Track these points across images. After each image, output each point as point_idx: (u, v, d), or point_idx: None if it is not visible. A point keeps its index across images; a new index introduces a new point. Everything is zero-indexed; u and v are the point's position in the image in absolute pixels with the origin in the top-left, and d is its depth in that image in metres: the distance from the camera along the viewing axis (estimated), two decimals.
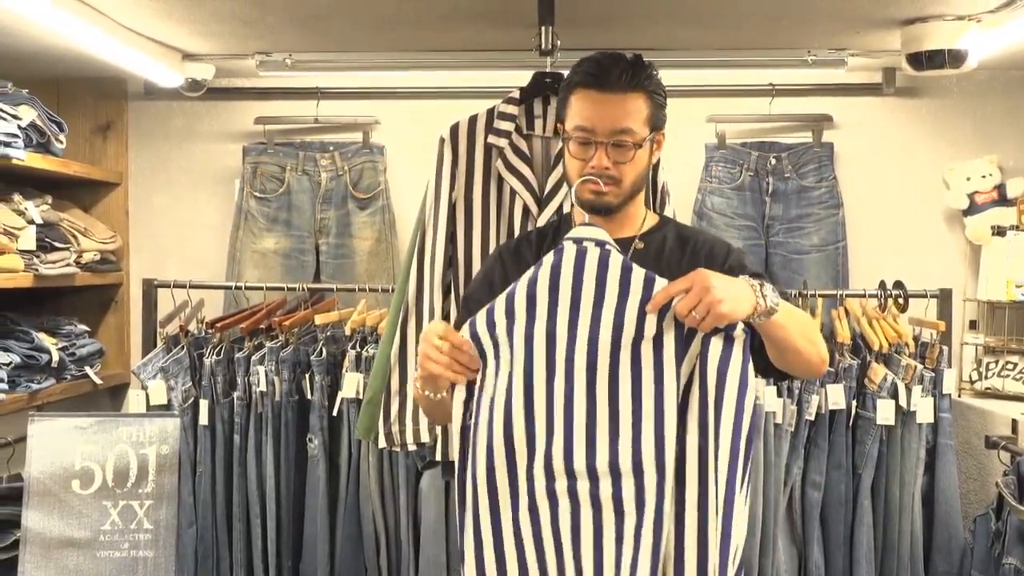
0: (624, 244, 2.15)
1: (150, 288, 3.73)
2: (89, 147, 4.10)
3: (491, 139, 2.81)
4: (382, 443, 2.88)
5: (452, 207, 2.84)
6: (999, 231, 3.75)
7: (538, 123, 2.86)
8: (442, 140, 2.86)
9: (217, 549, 3.51)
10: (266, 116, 4.04)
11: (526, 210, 2.78)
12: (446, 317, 2.84)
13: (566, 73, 2.88)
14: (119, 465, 2.87)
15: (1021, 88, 3.97)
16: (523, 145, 2.81)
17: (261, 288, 3.69)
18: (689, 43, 3.51)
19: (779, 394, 3.30)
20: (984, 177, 3.86)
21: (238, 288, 3.72)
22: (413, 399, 2.84)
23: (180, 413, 3.38)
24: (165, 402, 3.45)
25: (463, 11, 3.11)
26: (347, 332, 3.51)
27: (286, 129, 4.07)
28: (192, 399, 3.49)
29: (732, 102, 3.95)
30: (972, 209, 3.87)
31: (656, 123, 2.14)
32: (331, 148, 4.01)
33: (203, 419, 3.47)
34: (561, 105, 2.17)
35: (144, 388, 3.48)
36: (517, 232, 2.80)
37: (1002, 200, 3.84)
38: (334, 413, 3.45)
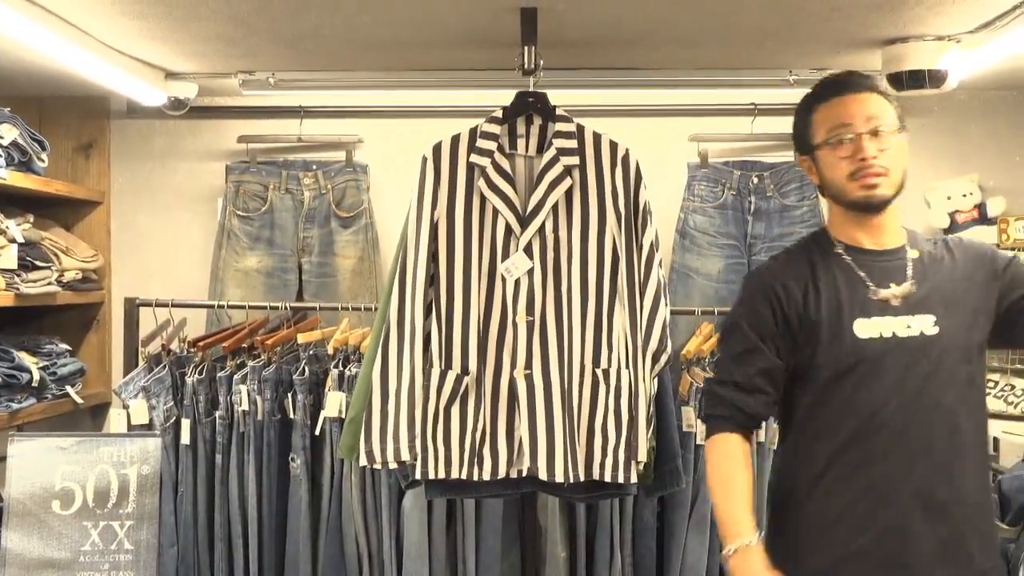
0: (898, 253, 2.19)
1: (132, 307, 3.71)
2: (71, 166, 4.08)
3: (473, 158, 2.80)
4: (363, 461, 2.85)
5: (434, 226, 2.83)
6: None
7: (520, 142, 2.86)
8: (424, 159, 2.86)
9: (199, 570, 3.48)
10: (249, 135, 4.04)
11: (508, 229, 2.78)
12: (427, 336, 2.83)
13: (550, 92, 2.91)
14: (100, 485, 2.86)
15: (1001, 108, 4.00)
16: (505, 164, 2.80)
17: (244, 307, 3.68)
18: (671, 63, 3.52)
19: None
20: (965, 196, 3.89)
21: (220, 307, 3.71)
22: (395, 417, 2.82)
23: (162, 433, 3.36)
24: (147, 421, 3.43)
25: (447, 31, 3.12)
26: (330, 351, 3.51)
27: (269, 148, 4.07)
28: (174, 418, 3.47)
29: (714, 121, 3.96)
30: (953, 228, 3.88)
31: (901, 122, 2.17)
32: (314, 167, 4.01)
33: (185, 439, 3.45)
34: (803, 128, 2.23)
35: (125, 407, 3.46)
36: (499, 250, 2.80)
37: (983, 219, 3.86)
38: (316, 432, 3.43)
